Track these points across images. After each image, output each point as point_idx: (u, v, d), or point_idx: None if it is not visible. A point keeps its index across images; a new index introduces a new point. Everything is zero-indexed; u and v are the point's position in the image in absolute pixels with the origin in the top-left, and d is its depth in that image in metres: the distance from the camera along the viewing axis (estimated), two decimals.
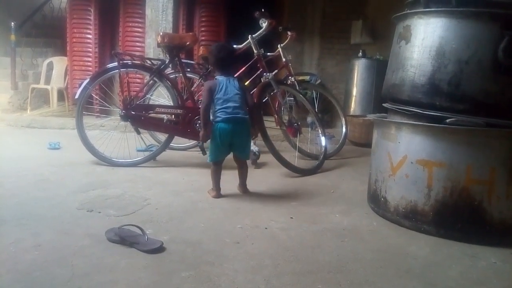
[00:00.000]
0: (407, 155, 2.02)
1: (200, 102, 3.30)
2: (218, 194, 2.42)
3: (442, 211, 1.93)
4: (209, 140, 2.41)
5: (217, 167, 2.43)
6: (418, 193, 1.98)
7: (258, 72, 3.35)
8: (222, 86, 2.33)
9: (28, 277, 1.40)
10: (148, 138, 3.54)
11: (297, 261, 1.63)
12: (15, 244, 1.64)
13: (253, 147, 3.32)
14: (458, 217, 1.91)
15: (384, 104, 2.37)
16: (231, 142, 2.36)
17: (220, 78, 2.37)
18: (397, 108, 2.16)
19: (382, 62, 4.90)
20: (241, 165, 2.51)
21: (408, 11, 2.14)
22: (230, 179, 2.58)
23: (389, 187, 2.12)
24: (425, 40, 2.00)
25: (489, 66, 1.87)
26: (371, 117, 2.51)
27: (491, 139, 1.88)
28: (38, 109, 5.63)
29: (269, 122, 3.33)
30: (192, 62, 4.05)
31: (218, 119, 2.31)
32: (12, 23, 5.68)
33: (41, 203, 2.14)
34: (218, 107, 2.32)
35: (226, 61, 2.42)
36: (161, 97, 3.64)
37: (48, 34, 6.69)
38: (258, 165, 3.29)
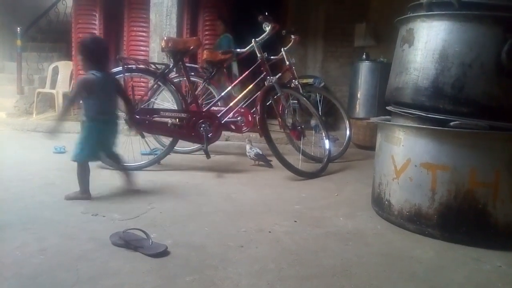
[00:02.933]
0: (411, 158, 2.01)
1: (204, 106, 3.33)
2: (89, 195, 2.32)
3: (446, 215, 1.92)
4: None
5: (86, 166, 2.34)
6: (422, 197, 1.97)
7: (262, 75, 3.36)
8: (100, 82, 2.27)
9: (33, 281, 1.41)
10: (152, 142, 3.55)
11: (301, 265, 1.63)
12: (21, 248, 1.65)
13: (255, 149, 3.37)
14: (462, 220, 1.90)
15: (387, 107, 2.37)
16: (104, 140, 2.37)
17: (96, 73, 2.28)
18: (401, 111, 2.16)
19: (386, 64, 4.89)
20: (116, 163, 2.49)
21: (411, 15, 2.15)
22: (232, 182, 2.59)
23: (393, 191, 2.11)
24: (428, 44, 2.00)
25: (492, 69, 1.87)
26: (374, 120, 2.51)
27: (495, 142, 1.87)
28: (43, 113, 5.68)
29: (273, 126, 3.34)
30: (196, 66, 4.08)
31: (94, 116, 2.30)
32: (18, 28, 5.73)
33: (47, 207, 2.16)
34: (93, 104, 2.29)
35: (102, 55, 2.37)
36: (165, 101, 3.66)
37: (53, 38, 6.75)
38: (271, 166, 3.35)
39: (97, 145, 2.34)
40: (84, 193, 2.32)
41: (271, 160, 3.33)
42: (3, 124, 4.96)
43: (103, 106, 2.32)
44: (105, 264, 1.56)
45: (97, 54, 2.33)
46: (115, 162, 2.50)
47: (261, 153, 3.37)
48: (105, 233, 1.81)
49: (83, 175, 2.32)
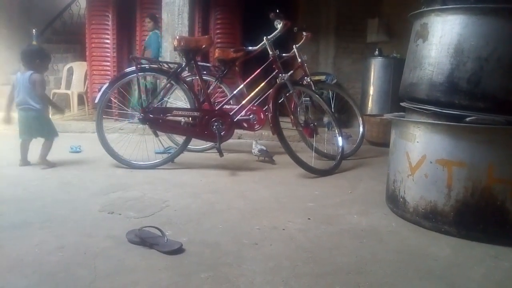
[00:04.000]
0: (426, 154, 1.99)
1: (216, 105, 3.34)
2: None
3: (463, 212, 1.89)
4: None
5: (25, 144, 3.07)
6: (438, 193, 1.95)
7: (274, 73, 3.35)
8: (17, 80, 3.02)
9: (52, 278, 1.44)
10: (166, 141, 3.59)
11: (315, 263, 1.63)
12: (40, 246, 1.69)
13: (259, 146, 3.40)
14: (479, 217, 1.87)
15: (401, 103, 2.34)
16: (28, 125, 3.05)
17: (19, 73, 3.07)
18: (415, 107, 2.14)
19: (399, 60, 4.85)
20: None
21: (425, 9, 2.11)
22: (245, 180, 2.60)
23: (408, 187, 2.09)
24: (443, 38, 1.97)
25: (509, 63, 1.83)
26: (388, 116, 2.48)
27: None
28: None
29: (285, 123, 3.33)
30: (208, 64, 4.10)
31: (16, 107, 3.04)
32: (34, 30, 5.84)
33: (64, 206, 2.20)
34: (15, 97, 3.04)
35: (26, 59, 3.07)
36: (178, 100, 3.69)
37: (68, 40, 6.86)
38: (273, 162, 3.42)
39: (24, 129, 3.05)
40: (22, 161, 3.09)
41: (274, 155, 3.44)
42: None
43: (17, 99, 3.02)
44: (122, 261, 1.58)
45: (24, 59, 3.09)
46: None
47: (264, 149, 3.42)
48: (121, 231, 1.84)
49: (22, 150, 3.08)
